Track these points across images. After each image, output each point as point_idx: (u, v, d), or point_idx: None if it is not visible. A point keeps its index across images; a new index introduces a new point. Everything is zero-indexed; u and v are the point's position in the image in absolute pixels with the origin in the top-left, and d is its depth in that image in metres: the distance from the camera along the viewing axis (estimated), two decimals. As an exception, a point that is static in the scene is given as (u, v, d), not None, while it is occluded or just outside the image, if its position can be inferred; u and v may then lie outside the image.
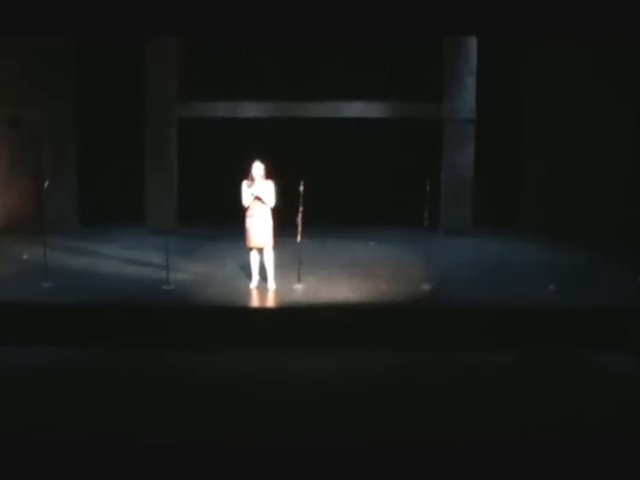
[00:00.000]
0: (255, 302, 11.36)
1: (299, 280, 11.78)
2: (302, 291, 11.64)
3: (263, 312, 11.07)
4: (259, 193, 11.41)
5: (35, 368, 9.70)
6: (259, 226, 11.48)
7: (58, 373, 9.60)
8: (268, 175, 11.49)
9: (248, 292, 11.58)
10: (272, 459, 6.90)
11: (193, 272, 12.70)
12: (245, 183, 11.48)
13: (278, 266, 11.78)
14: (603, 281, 12.13)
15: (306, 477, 6.67)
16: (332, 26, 11.48)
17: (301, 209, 11.79)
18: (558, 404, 8.73)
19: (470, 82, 15.64)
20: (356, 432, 7.86)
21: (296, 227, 11.83)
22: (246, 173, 11.48)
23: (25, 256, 13.08)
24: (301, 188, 11.72)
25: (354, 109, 15.82)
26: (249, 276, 11.79)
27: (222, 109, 15.90)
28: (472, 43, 15.61)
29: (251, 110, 15.93)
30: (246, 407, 8.61)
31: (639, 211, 13.61)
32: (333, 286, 11.84)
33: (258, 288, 11.65)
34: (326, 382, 9.33)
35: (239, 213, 11.68)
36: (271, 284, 11.59)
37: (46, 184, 14.13)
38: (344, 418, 8.27)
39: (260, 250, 11.61)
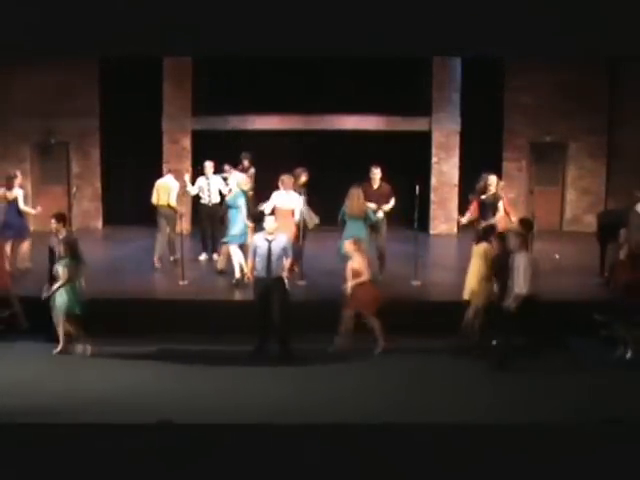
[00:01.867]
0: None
1: (302, 277, 12.25)
2: (305, 287, 12.07)
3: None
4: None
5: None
6: None
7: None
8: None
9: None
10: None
11: (205, 269, 13.32)
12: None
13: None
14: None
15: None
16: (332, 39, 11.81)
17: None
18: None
19: (455, 97, 16.47)
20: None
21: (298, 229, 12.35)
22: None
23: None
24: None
25: (349, 123, 16.55)
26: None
27: (231, 122, 16.60)
28: (457, 61, 16.34)
29: (257, 123, 16.56)
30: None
31: None
32: (334, 282, 12.26)
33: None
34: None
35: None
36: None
37: (74, 190, 14.89)
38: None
39: None
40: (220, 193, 13.73)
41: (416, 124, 16.66)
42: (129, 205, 16.70)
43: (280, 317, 10.24)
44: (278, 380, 9.62)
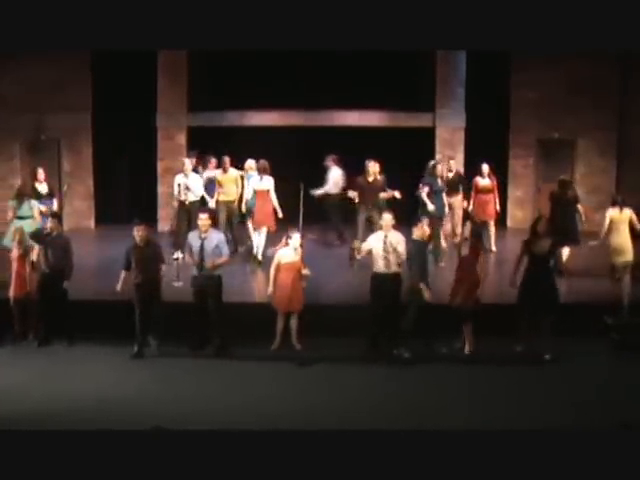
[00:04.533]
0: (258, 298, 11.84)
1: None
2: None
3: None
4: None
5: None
6: None
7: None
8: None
9: (249, 288, 12.09)
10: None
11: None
12: None
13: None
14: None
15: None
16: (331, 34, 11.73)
17: (301, 209, 12.55)
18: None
19: (460, 92, 16.38)
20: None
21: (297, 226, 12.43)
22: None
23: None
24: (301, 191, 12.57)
25: (351, 118, 16.48)
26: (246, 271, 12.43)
27: (228, 118, 16.57)
28: (462, 55, 16.25)
29: (256, 119, 16.53)
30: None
31: None
32: (333, 283, 12.23)
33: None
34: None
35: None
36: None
37: (65, 188, 14.82)
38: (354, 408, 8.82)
39: None
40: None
41: (419, 120, 16.55)
42: (123, 204, 16.64)
43: (214, 316, 10.44)
44: (275, 384, 9.58)
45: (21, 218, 12.64)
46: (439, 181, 13.60)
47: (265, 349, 10.60)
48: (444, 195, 13.65)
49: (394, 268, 10.30)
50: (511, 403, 9.06)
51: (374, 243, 10.44)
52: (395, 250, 10.27)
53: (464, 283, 10.48)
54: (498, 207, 14.83)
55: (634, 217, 12.08)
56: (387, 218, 10.53)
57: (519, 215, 16.82)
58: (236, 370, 10.05)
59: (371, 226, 12.78)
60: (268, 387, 9.48)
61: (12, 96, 16.27)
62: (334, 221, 14.77)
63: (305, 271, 10.64)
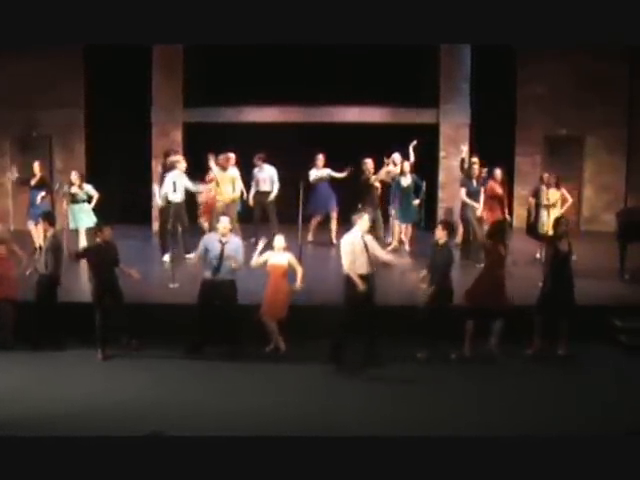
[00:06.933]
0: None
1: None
2: (302, 290, 12.10)
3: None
4: None
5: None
6: None
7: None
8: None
9: (247, 289, 12.15)
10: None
11: (197, 270, 13.37)
12: None
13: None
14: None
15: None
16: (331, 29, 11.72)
17: (301, 210, 12.60)
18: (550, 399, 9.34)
19: (464, 88, 16.42)
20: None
21: (296, 227, 12.53)
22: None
23: None
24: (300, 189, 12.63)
25: (351, 115, 16.52)
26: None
27: (225, 114, 16.62)
28: (466, 50, 16.28)
29: (253, 115, 16.58)
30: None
31: None
32: (334, 285, 12.07)
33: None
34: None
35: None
36: None
37: (57, 186, 14.84)
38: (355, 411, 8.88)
39: None
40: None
41: (423, 116, 16.57)
42: (116, 203, 16.62)
43: (231, 318, 10.56)
44: (273, 388, 9.62)
45: (77, 202, 14.16)
46: (474, 182, 13.77)
47: (262, 352, 10.68)
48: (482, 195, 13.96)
49: (362, 270, 10.13)
50: (518, 407, 9.10)
51: (347, 242, 10.23)
52: (365, 252, 10.17)
53: (493, 285, 10.55)
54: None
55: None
56: (366, 219, 10.48)
57: (525, 214, 16.80)
58: (235, 373, 10.09)
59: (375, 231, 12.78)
60: (267, 391, 9.51)
61: (3, 92, 16.31)
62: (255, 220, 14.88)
63: (296, 284, 10.68)
